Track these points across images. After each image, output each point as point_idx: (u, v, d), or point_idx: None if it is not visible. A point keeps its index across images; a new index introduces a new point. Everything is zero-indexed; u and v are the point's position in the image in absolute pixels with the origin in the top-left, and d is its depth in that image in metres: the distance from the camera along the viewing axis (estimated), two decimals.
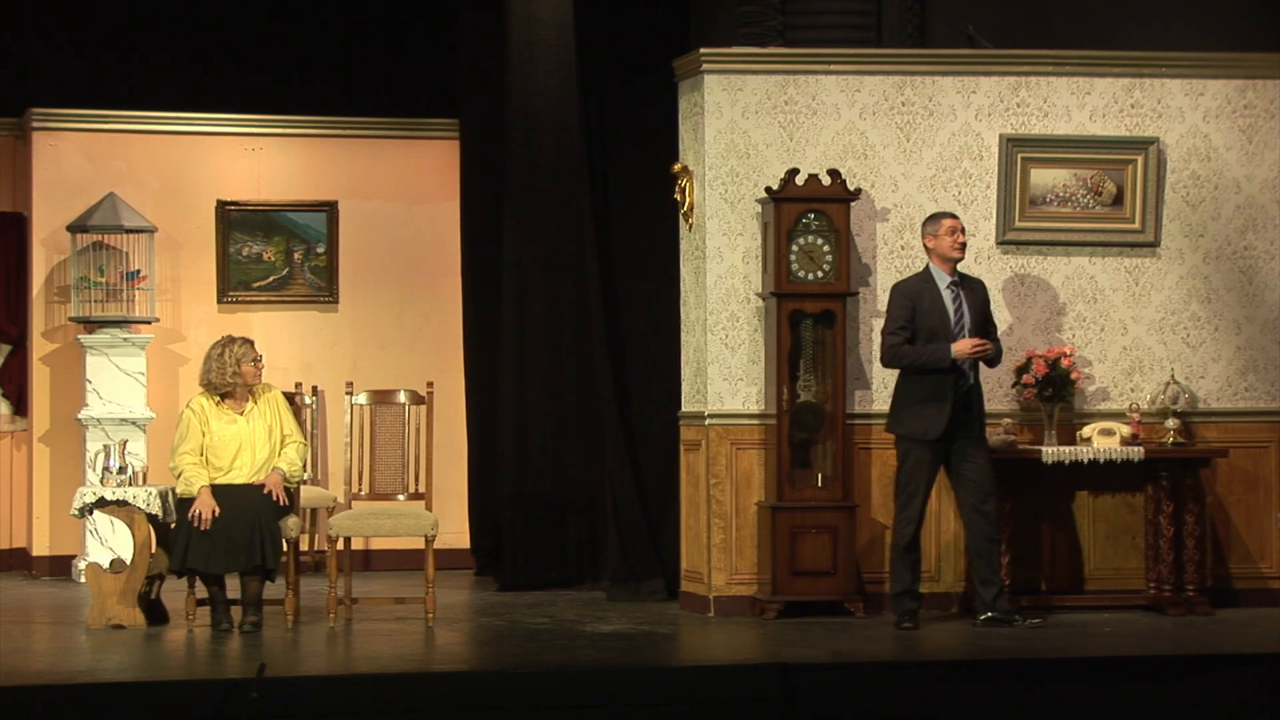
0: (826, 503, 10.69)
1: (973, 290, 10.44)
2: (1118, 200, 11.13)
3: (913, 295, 10.35)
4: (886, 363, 10.49)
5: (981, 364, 10.37)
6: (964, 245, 10.39)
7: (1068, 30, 11.78)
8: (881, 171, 11.03)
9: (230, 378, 10.38)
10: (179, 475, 10.32)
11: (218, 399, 10.45)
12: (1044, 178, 11.08)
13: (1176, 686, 8.84)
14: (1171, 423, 10.95)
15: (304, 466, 10.51)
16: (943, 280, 10.35)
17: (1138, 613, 10.73)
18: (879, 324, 10.93)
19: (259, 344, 10.73)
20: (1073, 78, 11.13)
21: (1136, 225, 11.12)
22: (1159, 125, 11.16)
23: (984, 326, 10.39)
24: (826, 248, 10.76)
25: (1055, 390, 10.86)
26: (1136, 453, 10.72)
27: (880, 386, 10.95)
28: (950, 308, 10.31)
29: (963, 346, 10.22)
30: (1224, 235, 11.19)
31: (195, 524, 10.11)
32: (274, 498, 10.23)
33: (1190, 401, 11.07)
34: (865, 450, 10.92)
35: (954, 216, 10.42)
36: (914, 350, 10.29)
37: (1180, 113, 11.18)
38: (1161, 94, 11.17)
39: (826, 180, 10.79)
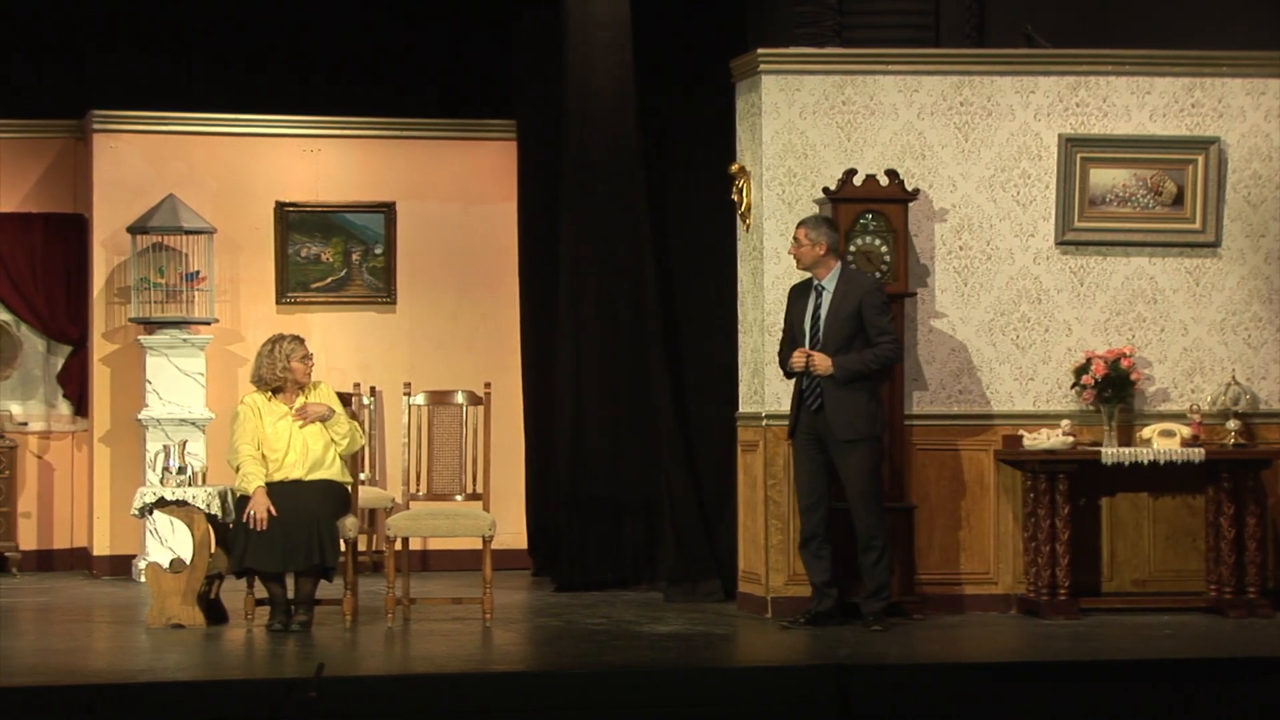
0: (885, 504, 10.64)
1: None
2: (1178, 200, 11.06)
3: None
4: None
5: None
6: (796, 257, 10.33)
7: (1127, 30, 11.71)
8: (939, 172, 10.99)
9: (280, 373, 10.47)
10: (237, 469, 10.39)
11: (269, 395, 10.52)
12: (1103, 178, 11.03)
13: (1237, 688, 8.78)
14: (1232, 424, 10.88)
15: (352, 442, 10.50)
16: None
17: (1198, 615, 10.67)
18: (938, 325, 10.90)
19: (317, 345, 10.80)
20: (1132, 77, 11.07)
21: (1197, 225, 11.05)
22: (1219, 125, 11.09)
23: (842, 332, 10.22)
24: (884, 248, 10.73)
25: (1115, 391, 10.80)
26: (1197, 454, 10.65)
27: (939, 387, 10.91)
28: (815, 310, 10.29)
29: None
30: None
31: (250, 524, 10.17)
32: (303, 416, 10.35)
33: (1251, 402, 11.00)
34: (924, 451, 10.88)
35: (800, 225, 10.35)
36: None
37: (1241, 112, 11.11)
38: (1222, 93, 11.10)
39: (884, 181, 10.75)
